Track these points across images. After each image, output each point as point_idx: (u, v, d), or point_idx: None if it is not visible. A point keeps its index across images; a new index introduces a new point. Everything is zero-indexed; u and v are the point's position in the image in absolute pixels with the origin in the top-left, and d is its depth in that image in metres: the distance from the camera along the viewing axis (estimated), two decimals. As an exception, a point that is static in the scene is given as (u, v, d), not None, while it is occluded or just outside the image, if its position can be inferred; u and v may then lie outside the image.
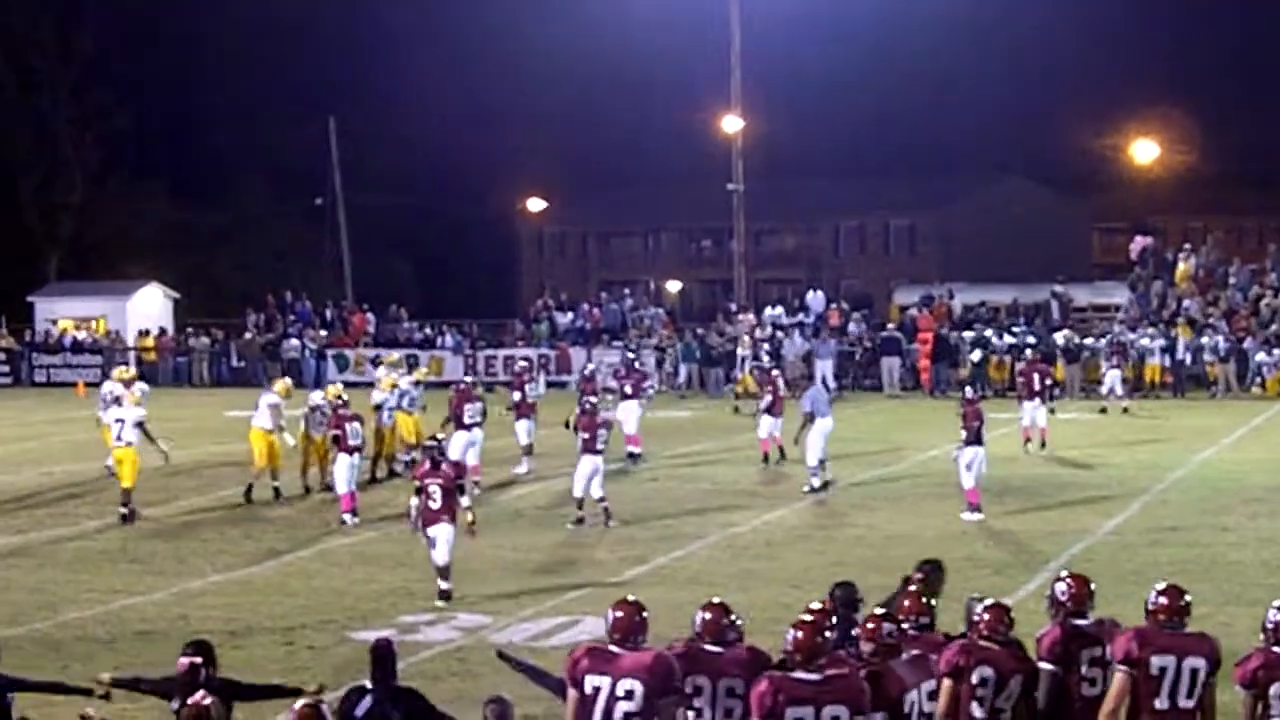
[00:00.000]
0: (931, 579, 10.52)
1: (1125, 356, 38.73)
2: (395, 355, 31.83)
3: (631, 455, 27.41)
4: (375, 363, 46.52)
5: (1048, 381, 29.33)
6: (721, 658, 8.44)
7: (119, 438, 22.09)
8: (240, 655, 14.11)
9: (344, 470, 21.39)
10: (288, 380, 26.07)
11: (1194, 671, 8.62)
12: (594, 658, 8.43)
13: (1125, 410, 35.47)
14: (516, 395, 26.86)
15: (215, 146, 75.46)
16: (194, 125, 75.44)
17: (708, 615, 8.57)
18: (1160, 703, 8.58)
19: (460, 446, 24.03)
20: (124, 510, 21.66)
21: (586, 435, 20.95)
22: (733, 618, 8.59)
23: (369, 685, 9.25)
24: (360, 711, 9.14)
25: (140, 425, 22.30)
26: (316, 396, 24.44)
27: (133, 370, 30.19)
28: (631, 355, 35.44)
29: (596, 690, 8.33)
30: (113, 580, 17.95)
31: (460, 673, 13.40)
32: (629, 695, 8.27)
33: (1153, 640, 8.64)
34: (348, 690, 9.42)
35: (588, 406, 21.76)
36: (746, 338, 42.46)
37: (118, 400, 26.03)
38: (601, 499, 21.02)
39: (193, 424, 33.47)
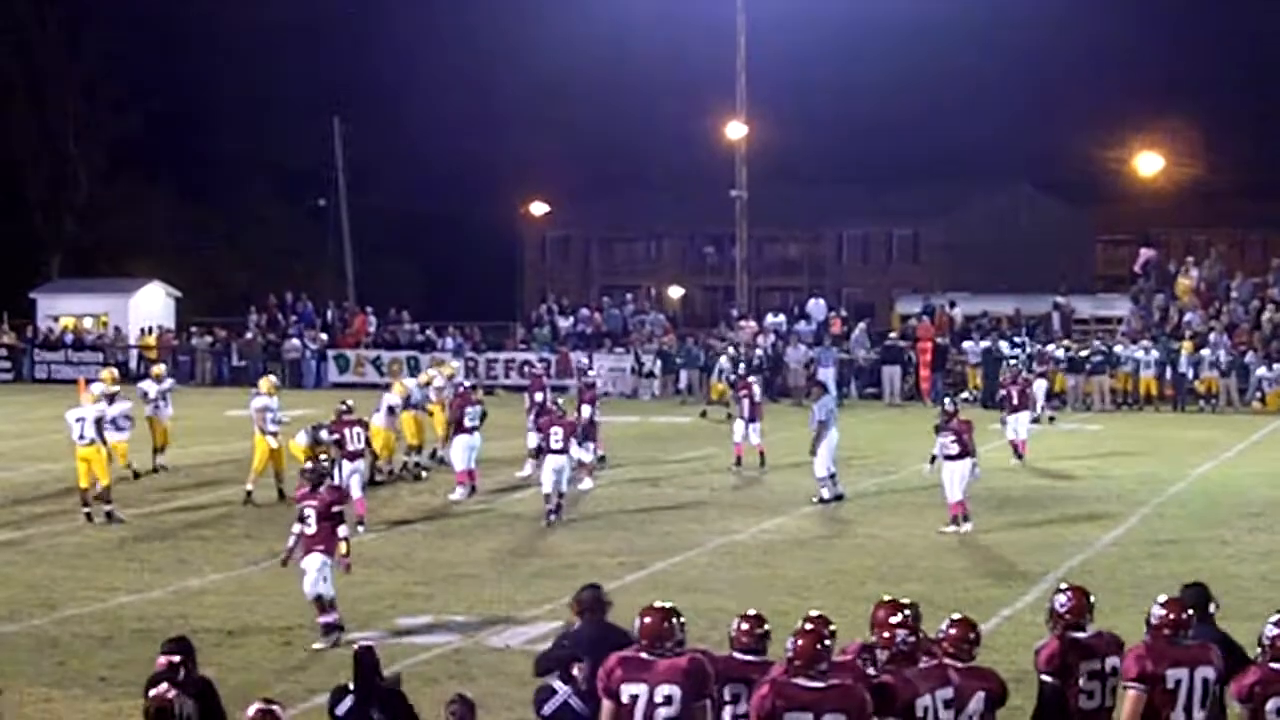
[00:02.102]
0: (1200, 604, 9.75)
1: (1051, 367, 39.43)
2: (453, 364, 31.11)
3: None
4: (377, 365, 46.80)
5: (1026, 393, 29.71)
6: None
7: (81, 436, 22.13)
8: (238, 655, 14.14)
9: (341, 476, 21.23)
10: (272, 377, 25.89)
11: (1205, 682, 8.66)
12: (628, 667, 8.47)
13: (1051, 420, 35.25)
14: (539, 396, 26.85)
15: (220, 147, 75.55)
16: (199, 125, 75.51)
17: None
18: (1176, 715, 8.60)
19: (461, 450, 24.08)
20: (107, 508, 21.65)
21: (542, 435, 21.86)
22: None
23: (351, 686, 9.30)
24: (341, 711, 9.21)
25: (99, 423, 22.34)
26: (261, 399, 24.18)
27: (163, 368, 30.78)
28: (585, 362, 34.98)
29: (634, 699, 8.36)
30: (112, 578, 17.96)
31: (457, 675, 13.40)
32: (668, 700, 8.32)
33: (1165, 655, 8.65)
34: (333, 690, 9.46)
35: (550, 408, 23.10)
36: (733, 349, 42.40)
37: (164, 396, 26.73)
38: (561, 494, 21.60)
39: (193, 423, 33.45)
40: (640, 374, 44.17)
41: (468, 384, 27.03)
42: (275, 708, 8.46)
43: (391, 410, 25.45)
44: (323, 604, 14.81)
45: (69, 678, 13.69)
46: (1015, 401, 28.72)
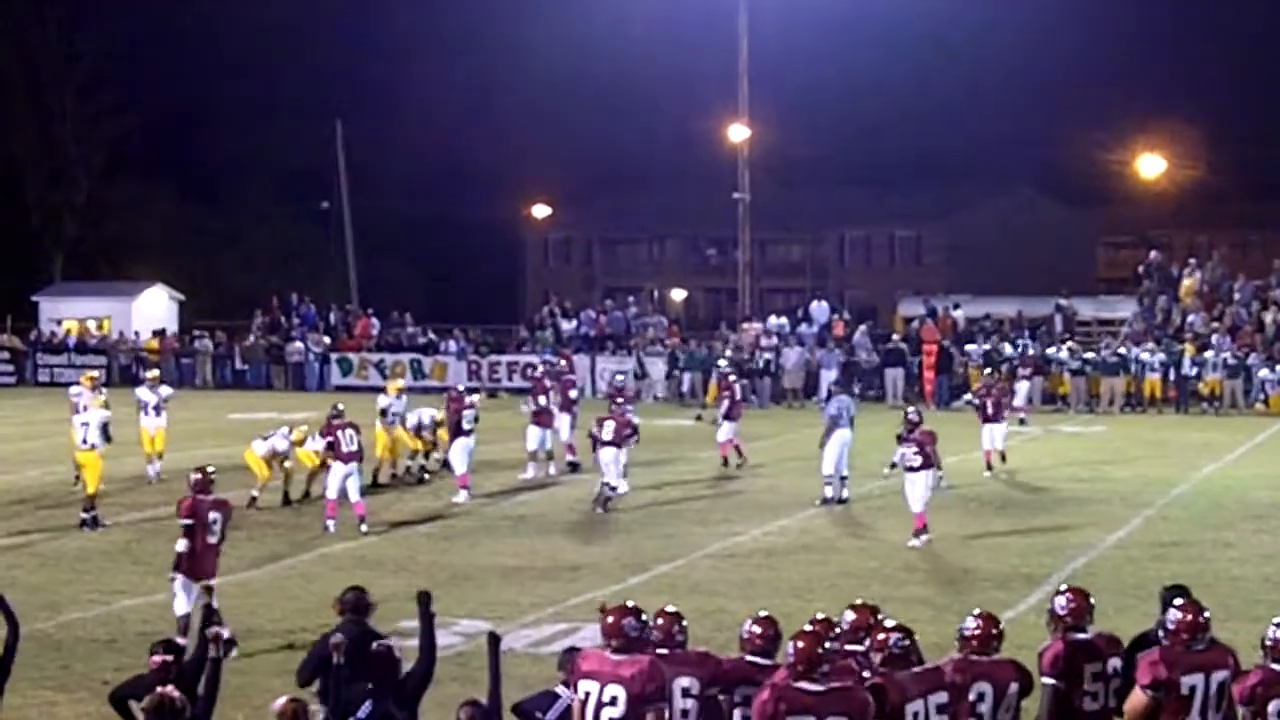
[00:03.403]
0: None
1: (1039, 369, 39.40)
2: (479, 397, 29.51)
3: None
4: (380, 368, 46.81)
5: (1003, 402, 27.74)
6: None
7: (84, 440, 22.09)
8: (239, 657, 14.11)
9: (337, 478, 21.25)
10: (305, 429, 24.43)
11: (1221, 686, 8.62)
12: (589, 662, 8.55)
13: (1022, 422, 34.97)
14: (541, 399, 26.82)
15: (222, 148, 75.55)
16: (201, 127, 75.54)
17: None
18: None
19: (460, 452, 24.02)
20: (85, 515, 21.45)
21: (598, 426, 23.50)
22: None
23: (370, 686, 9.30)
24: (363, 713, 9.20)
25: (105, 428, 22.28)
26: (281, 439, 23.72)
27: (157, 373, 29.89)
28: (560, 361, 34.02)
29: (587, 695, 8.43)
30: (115, 581, 17.96)
31: (461, 678, 13.39)
32: (613, 702, 8.35)
33: (1180, 661, 8.61)
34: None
35: (613, 407, 24.85)
36: (730, 351, 42.53)
37: (156, 407, 26.13)
38: (611, 486, 23.06)
39: (196, 426, 33.49)
40: (640, 377, 44.14)
41: (460, 388, 26.94)
42: (303, 700, 8.59)
43: (384, 413, 25.44)
44: (181, 626, 14.41)
45: (73, 681, 13.70)
46: (990, 411, 27.18)
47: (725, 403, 28.10)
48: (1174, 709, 8.55)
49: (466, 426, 24.14)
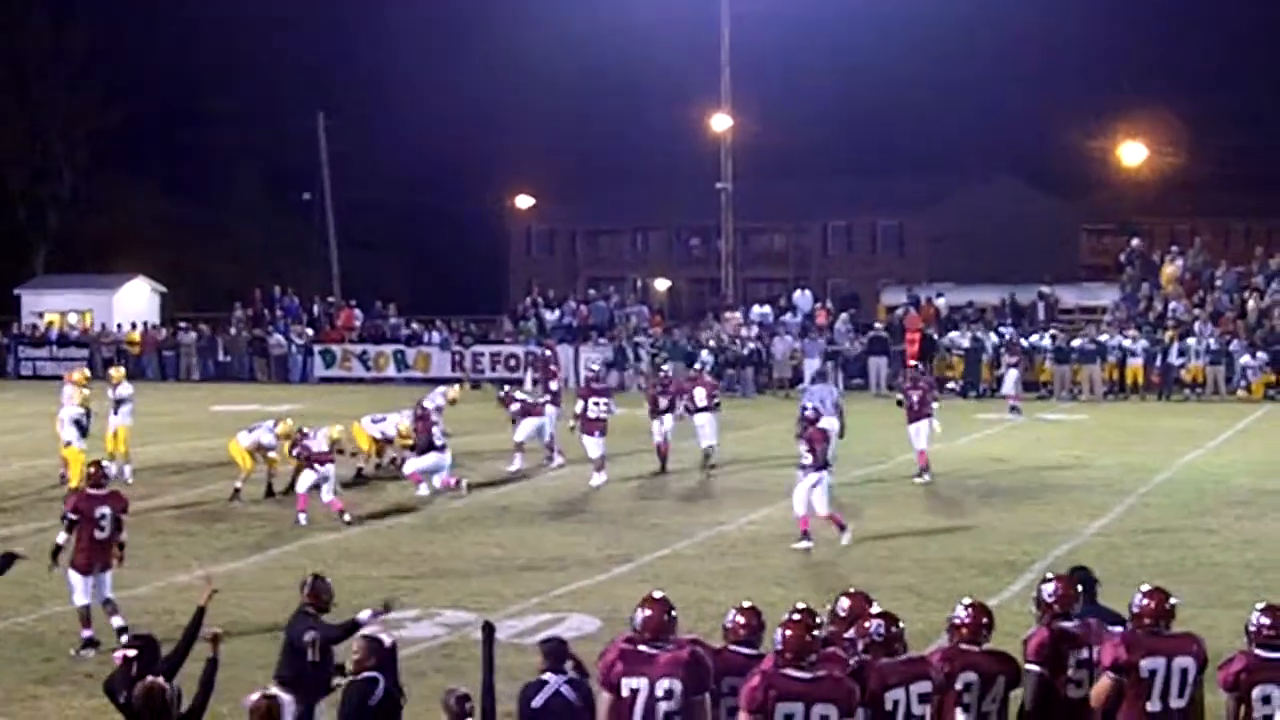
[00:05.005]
0: (1086, 585, 9.91)
1: (1028, 357, 39.28)
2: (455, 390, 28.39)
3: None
4: (363, 360, 46.77)
5: (932, 403, 24.87)
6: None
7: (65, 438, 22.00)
8: (224, 650, 14.06)
9: (311, 475, 21.12)
10: (289, 422, 23.52)
11: (1184, 672, 8.66)
12: (628, 660, 8.43)
13: (1016, 410, 35.00)
14: (520, 394, 26.54)
15: (205, 141, 75.35)
16: (184, 119, 75.29)
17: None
18: (1152, 705, 8.61)
19: (429, 462, 23.63)
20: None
21: (687, 397, 25.63)
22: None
23: (378, 675, 9.35)
24: (374, 701, 9.28)
25: (78, 423, 22.14)
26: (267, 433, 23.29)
27: (122, 370, 29.11)
28: (545, 350, 33.05)
29: (634, 692, 8.33)
30: (98, 574, 17.88)
31: (445, 669, 13.40)
32: (669, 695, 8.30)
33: (1141, 643, 8.66)
34: (353, 682, 9.44)
35: (705, 377, 27.15)
36: (713, 341, 42.49)
37: (117, 406, 25.52)
38: (711, 446, 25.62)
39: (179, 418, 33.43)
40: (623, 368, 44.06)
41: (428, 405, 26.42)
42: (277, 694, 8.62)
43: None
44: (82, 615, 14.39)
45: (56, 674, 13.67)
46: (916, 408, 24.62)
47: (664, 400, 26.17)
48: (1134, 692, 8.61)
49: (439, 442, 23.34)
